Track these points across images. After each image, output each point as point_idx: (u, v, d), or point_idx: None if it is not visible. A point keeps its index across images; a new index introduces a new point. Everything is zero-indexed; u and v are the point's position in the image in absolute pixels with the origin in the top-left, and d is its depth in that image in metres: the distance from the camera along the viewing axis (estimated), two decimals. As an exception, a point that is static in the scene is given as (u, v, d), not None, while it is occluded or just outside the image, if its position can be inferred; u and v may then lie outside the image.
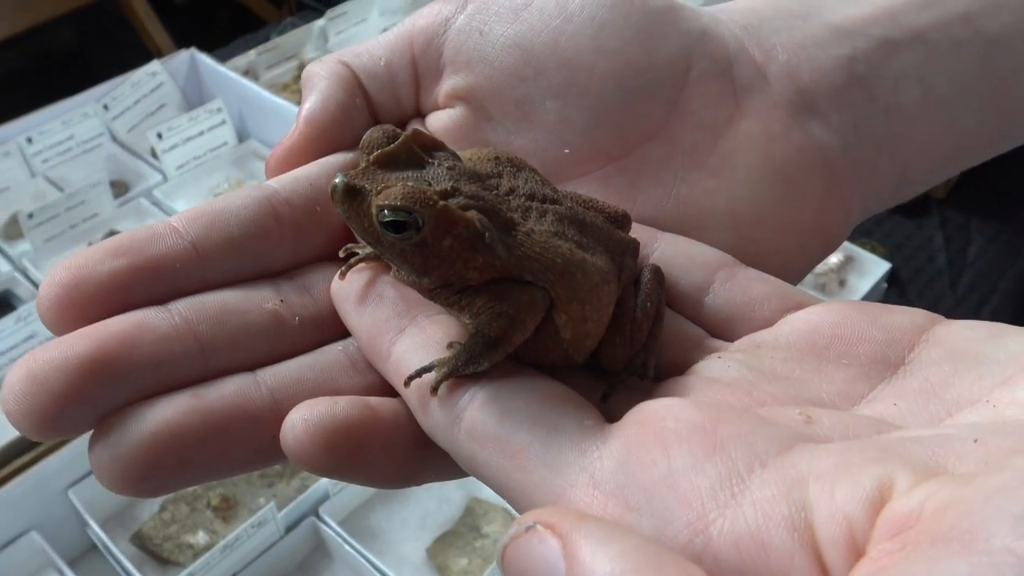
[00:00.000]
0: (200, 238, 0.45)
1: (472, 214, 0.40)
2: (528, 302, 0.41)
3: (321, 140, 0.52)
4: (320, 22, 2.19)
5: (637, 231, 0.50)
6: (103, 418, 0.40)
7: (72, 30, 3.34)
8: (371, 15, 2.25)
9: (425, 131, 0.45)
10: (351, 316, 0.45)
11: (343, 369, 0.44)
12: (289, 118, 1.83)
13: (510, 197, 0.44)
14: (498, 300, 0.41)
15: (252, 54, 2.08)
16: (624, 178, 0.53)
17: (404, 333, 0.43)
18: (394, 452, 0.41)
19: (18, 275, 1.62)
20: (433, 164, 0.43)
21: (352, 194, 0.41)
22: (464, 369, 0.40)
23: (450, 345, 0.41)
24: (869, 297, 1.63)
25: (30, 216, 1.62)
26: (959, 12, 0.56)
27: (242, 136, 1.93)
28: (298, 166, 0.51)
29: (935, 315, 0.43)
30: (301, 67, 2.12)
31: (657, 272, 0.47)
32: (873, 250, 1.70)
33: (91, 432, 0.40)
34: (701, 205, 0.52)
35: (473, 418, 0.38)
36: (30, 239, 1.64)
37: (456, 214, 0.40)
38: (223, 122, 1.86)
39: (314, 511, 1.31)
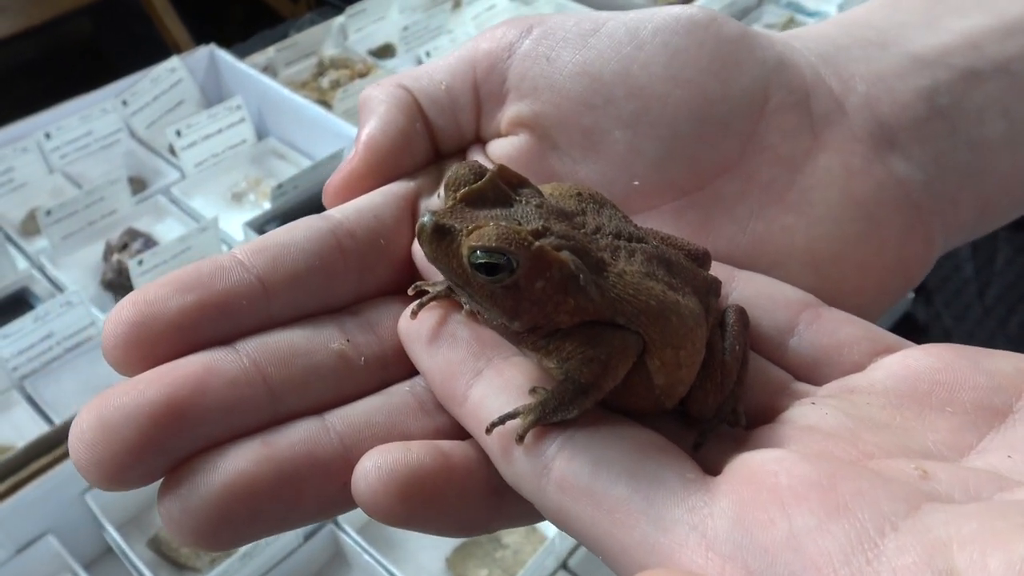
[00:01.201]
0: (266, 272, 0.43)
1: (566, 255, 0.39)
2: (621, 347, 0.39)
3: (382, 166, 0.50)
4: (340, 19, 2.17)
5: (714, 269, 0.48)
6: (173, 468, 0.38)
7: (89, 21, 3.33)
8: (390, 12, 2.23)
9: (507, 167, 0.43)
10: (423, 357, 0.43)
11: (411, 411, 0.43)
12: (307, 117, 1.81)
13: (598, 236, 0.42)
14: (589, 344, 0.39)
15: (271, 51, 2.06)
16: (697, 213, 0.51)
17: (481, 376, 0.41)
18: (469, 500, 0.40)
19: (35, 272, 1.61)
20: (520, 202, 0.41)
21: (441, 234, 0.39)
22: (552, 417, 0.38)
23: (534, 390, 0.40)
24: (896, 308, 1.61)
25: (48, 213, 1.60)
26: None
27: (261, 134, 1.92)
28: (359, 193, 0.50)
29: None
30: (320, 64, 2.11)
31: (742, 313, 0.45)
32: (900, 259, 1.67)
33: (160, 483, 0.39)
34: (778, 242, 0.50)
35: (563, 469, 0.36)
36: (48, 236, 1.63)
37: (551, 255, 0.38)
38: (242, 120, 1.84)
39: (333, 519, 1.29)
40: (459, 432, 0.42)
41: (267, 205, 1.70)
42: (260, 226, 1.64)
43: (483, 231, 0.38)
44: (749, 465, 0.34)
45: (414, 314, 0.44)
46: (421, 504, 0.38)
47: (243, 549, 1.18)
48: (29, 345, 1.42)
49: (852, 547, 0.30)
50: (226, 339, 0.42)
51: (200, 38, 2.04)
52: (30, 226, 1.71)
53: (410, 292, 0.46)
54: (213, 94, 2.00)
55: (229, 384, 0.40)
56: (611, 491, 0.35)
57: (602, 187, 0.50)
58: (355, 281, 0.46)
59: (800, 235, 0.50)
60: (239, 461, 0.38)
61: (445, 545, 1.33)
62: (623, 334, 0.40)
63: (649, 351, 0.40)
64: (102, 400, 0.38)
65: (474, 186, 0.41)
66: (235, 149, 1.85)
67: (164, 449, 0.38)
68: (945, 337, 1.66)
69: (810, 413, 0.40)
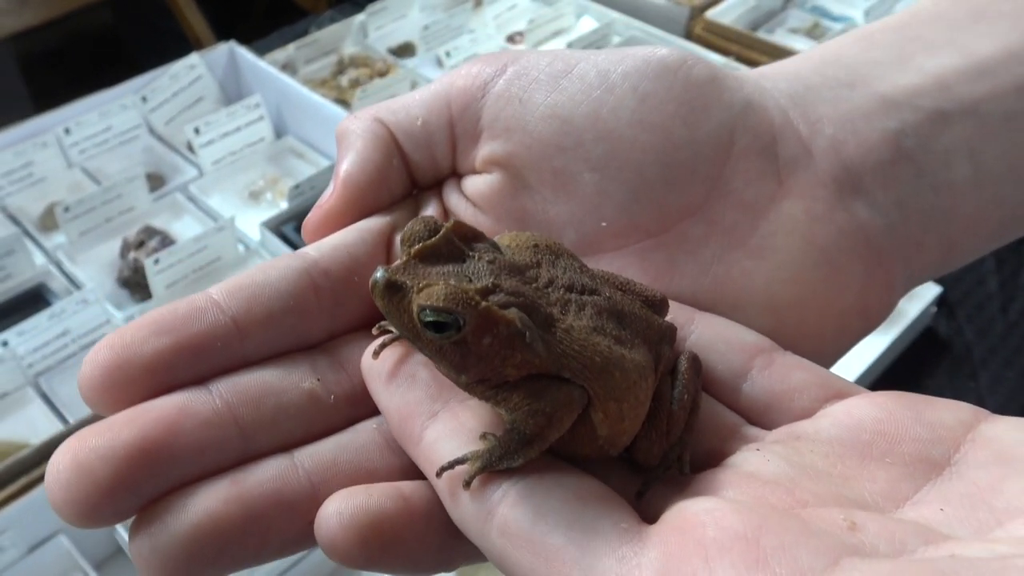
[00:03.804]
0: (241, 313, 0.45)
1: (513, 312, 0.40)
2: (565, 400, 0.41)
3: (359, 203, 0.52)
4: (360, 17, 2.17)
5: (674, 310, 0.49)
6: (145, 506, 0.40)
7: (111, 13, 3.34)
8: (411, 10, 2.22)
9: (462, 223, 0.44)
10: (382, 395, 0.44)
11: (377, 449, 0.44)
12: (326, 115, 1.80)
13: (549, 290, 0.43)
14: (535, 397, 0.40)
15: (291, 48, 2.06)
16: (662, 254, 0.51)
17: (436, 418, 0.42)
18: (428, 542, 0.41)
19: (53, 268, 1.61)
20: (473, 257, 0.42)
21: (393, 290, 0.40)
22: (498, 464, 0.39)
23: (484, 436, 0.41)
24: (918, 322, 1.58)
25: (66, 209, 1.61)
26: (1013, 83, 0.54)
27: (279, 132, 1.91)
28: (336, 229, 0.51)
29: (980, 410, 0.41)
30: (340, 62, 2.10)
31: (695, 361, 0.46)
32: (922, 272, 1.65)
33: (132, 520, 0.40)
34: (739, 286, 0.51)
35: (506, 515, 0.38)
36: (65, 232, 1.63)
37: (497, 314, 0.39)
38: (260, 118, 1.84)
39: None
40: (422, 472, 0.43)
41: (284, 204, 1.69)
42: (277, 226, 1.63)
43: (432, 290, 0.39)
44: (683, 514, 0.35)
45: (376, 353, 0.45)
46: (379, 549, 0.39)
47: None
48: (44, 342, 1.42)
49: None
50: (200, 379, 0.43)
51: (222, 31, 2.04)
52: (48, 221, 1.72)
53: (374, 331, 0.47)
54: (232, 91, 1.99)
55: (202, 425, 0.41)
56: (548, 539, 0.36)
57: (572, 226, 0.51)
58: (328, 319, 0.48)
59: (760, 279, 0.51)
60: (208, 501, 0.39)
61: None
62: (568, 388, 0.41)
63: (593, 404, 0.41)
64: (77, 441, 0.39)
65: (428, 242, 0.42)
66: (253, 147, 1.85)
67: (137, 489, 0.39)
68: (966, 352, 1.64)
69: (753, 459, 0.41)
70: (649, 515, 0.37)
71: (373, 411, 0.46)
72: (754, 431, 0.45)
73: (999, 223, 0.56)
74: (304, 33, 2.17)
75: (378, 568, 0.40)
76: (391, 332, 0.46)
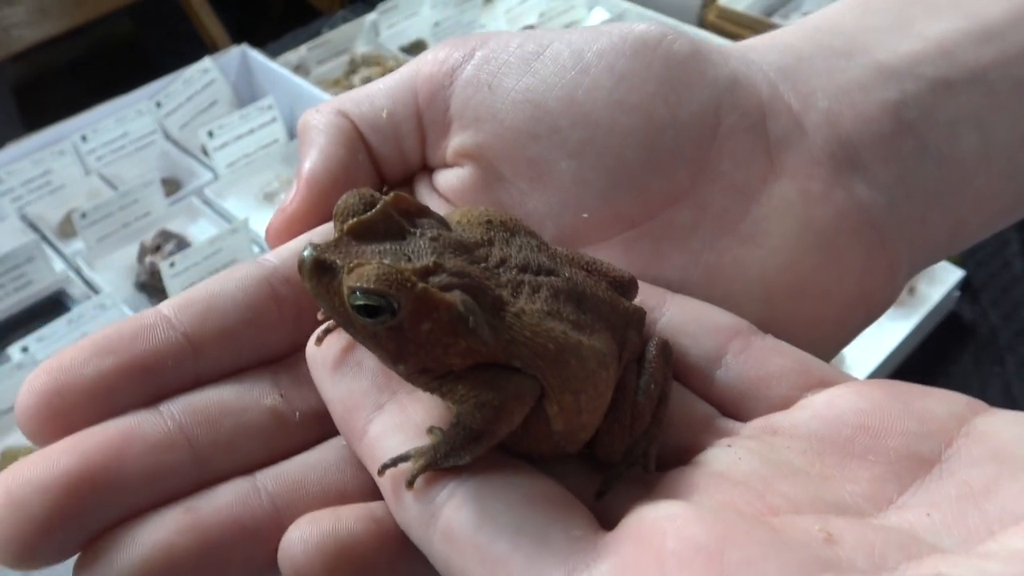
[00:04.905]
0: (194, 329, 0.42)
1: (455, 295, 0.36)
2: (515, 392, 0.37)
3: (323, 203, 0.48)
4: (372, 15, 2.17)
5: (645, 292, 0.45)
6: (89, 542, 0.37)
7: (130, 20, 3.37)
8: (423, 8, 2.21)
9: (404, 195, 0.40)
10: (326, 385, 0.41)
11: (350, 467, 0.41)
12: (339, 115, 1.80)
13: (500, 270, 0.39)
14: (482, 388, 0.37)
15: (303, 49, 2.06)
16: (647, 244, 0.48)
17: (382, 411, 0.39)
18: (402, 568, 0.38)
19: (72, 274, 1.63)
20: (415, 234, 0.39)
21: (322, 270, 0.37)
22: (443, 462, 0.36)
23: (430, 430, 0.38)
24: (941, 306, 1.55)
25: (83, 216, 1.62)
26: (1023, 47, 0.50)
27: (293, 133, 1.92)
28: (301, 232, 0.48)
29: (976, 402, 0.38)
30: (352, 62, 2.10)
31: (664, 348, 0.42)
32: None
33: (76, 557, 0.37)
34: (731, 274, 0.47)
35: (450, 519, 0.35)
36: (83, 238, 1.65)
37: (436, 297, 0.36)
38: (273, 120, 1.85)
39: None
40: None
41: (298, 205, 1.70)
42: (290, 227, 1.64)
43: (363, 270, 0.35)
44: (642, 521, 0.33)
45: (319, 340, 0.42)
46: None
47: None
48: (64, 348, 1.44)
49: None
50: (150, 401, 0.40)
51: (238, 34, 2.06)
52: (67, 228, 1.74)
53: (319, 316, 0.43)
54: (246, 94, 2.00)
55: (150, 449, 0.38)
56: (493, 547, 0.33)
57: (550, 219, 0.48)
58: (291, 329, 0.45)
59: (754, 267, 0.47)
60: (159, 532, 0.36)
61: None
62: (519, 378, 0.37)
63: (548, 396, 0.38)
64: (10, 473, 0.36)
65: (363, 217, 0.38)
66: (267, 149, 1.86)
67: (78, 523, 0.36)
68: (992, 336, 1.60)
69: (724, 457, 0.38)
70: (609, 519, 0.35)
71: None
72: (728, 423, 0.42)
73: (1012, 197, 0.52)
74: (317, 34, 2.18)
75: None
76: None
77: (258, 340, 0.44)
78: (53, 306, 1.57)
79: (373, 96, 0.51)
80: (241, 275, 0.44)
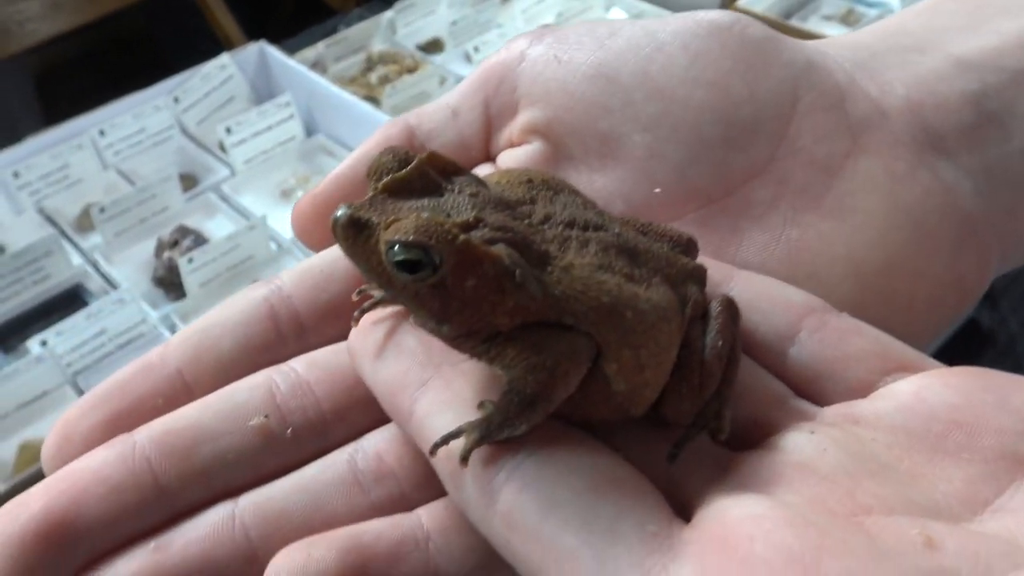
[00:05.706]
0: (187, 363, 0.42)
1: (499, 248, 0.34)
2: (569, 351, 0.34)
3: (354, 190, 0.47)
4: (388, 13, 2.16)
5: (710, 268, 0.43)
6: None
7: (143, 16, 3.37)
8: (439, 6, 2.21)
9: (439, 153, 0.38)
10: (368, 373, 0.40)
11: (344, 487, 0.39)
12: (356, 113, 1.80)
13: (545, 226, 0.37)
14: (534, 350, 0.34)
15: (320, 46, 2.06)
16: (725, 221, 0.47)
17: (427, 387, 0.37)
18: None
19: (89, 268, 1.63)
20: (453, 191, 0.37)
21: (357, 228, 0.34)
22: (497, 434, 0.34)
23: (481, 404, 0.35)
24: (959, 312, 1.54)
25: (101, 210, 1.62)
26: None
27: (310, 130, 1.92)
28: (328, 212, 0.48)
29: None
30: (369, 60, 2.10)
31: (730, 304, 0.40)
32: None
33: None
34: (816, 251, 0.46)
35: (510, 503, 0.33)
36: (101, 233, 1.65)
37: (480, 249, 0.34)
38: (291, 116, 1.85)
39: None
40: (405, 503, 0.38)
41: (315, 203, 1.70)
42: (308, 224, 1.64)
43: (401, 223, 0.33)
44: (724, 519, 0.31)
45: (356, 321, 0.41)
46: None
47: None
48: (82, 342, 1.44)
49: None
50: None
51: (252, 31, 2.06)
52: (84, 222, 1.74)
53: (354, 297, 0.42)
54: (263, 90, 2.00)
55: (112, 491, 0.37)
56: (560, 540, 0.31)
57: (621, 196, 0.46)
58: (293, 344, 0.44)
59: (840, 243, 0.45)
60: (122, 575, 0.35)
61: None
62: (572, 336, 0.35)
63: (605, 354, 0.35)
64: None
65: (398, 174, 0.36)
66: (284, 146, 1.85)
67: (42, 573, 0.36)
68: (1010, 344, 1.60)
69: (805, 445, 0.35)
70: (682, 501, 0.33)
71: (350, 436, 0.41)
72: (803, 405, 0.39)
73: None
74: (333, 31, 2.17)
75: None
76: (373, 297, 0.41)
77: (256, 362, 0.43)
78: (71, 300, 1.57)
79: (447, 97, 0.51)
80: (241, 305, 0.44)
